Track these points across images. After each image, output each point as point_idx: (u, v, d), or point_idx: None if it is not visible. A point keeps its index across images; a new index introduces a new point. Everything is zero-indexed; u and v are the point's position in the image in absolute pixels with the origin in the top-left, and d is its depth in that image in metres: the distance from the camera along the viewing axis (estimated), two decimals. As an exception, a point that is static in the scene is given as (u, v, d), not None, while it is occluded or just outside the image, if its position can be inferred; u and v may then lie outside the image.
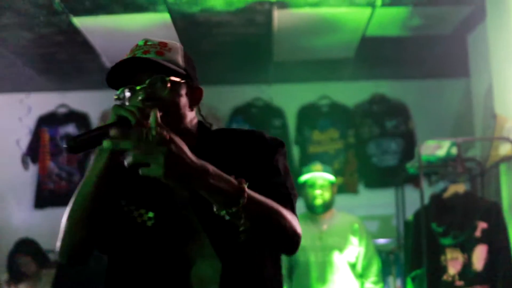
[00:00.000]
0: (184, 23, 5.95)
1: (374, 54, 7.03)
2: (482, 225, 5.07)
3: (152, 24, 5.98)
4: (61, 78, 7.47)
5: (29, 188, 7.62)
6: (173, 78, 2.14)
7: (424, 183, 5.46)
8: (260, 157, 2.21)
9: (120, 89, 2.15)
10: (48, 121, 7.78)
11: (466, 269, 5.06)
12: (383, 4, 5.69)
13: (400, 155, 7.69)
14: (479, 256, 5.06)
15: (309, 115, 7.83)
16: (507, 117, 5.28)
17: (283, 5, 5.68)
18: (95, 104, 7.64)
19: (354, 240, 5.33)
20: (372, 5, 5.69)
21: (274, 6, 5.67)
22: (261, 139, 2.27)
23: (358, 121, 7.82)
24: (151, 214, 2.16)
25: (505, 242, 5.07)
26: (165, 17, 5.80)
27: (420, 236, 5.21)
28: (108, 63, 6.86)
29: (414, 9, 5.84)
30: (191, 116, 2.23)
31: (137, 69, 2.12)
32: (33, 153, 7.70)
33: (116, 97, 2.14)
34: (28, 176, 7.66)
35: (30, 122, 7.78)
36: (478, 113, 6.48)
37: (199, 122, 2.29)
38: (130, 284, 2.17)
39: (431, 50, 6.88)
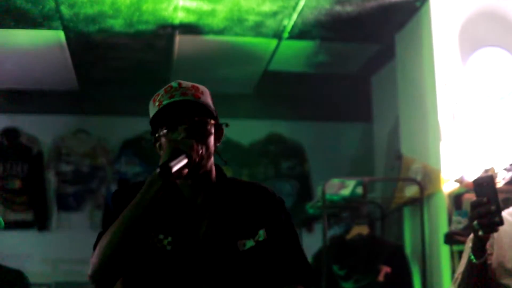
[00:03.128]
0: (79, 43, 5.61)
1: (275, 91, 6.89)
2: (385, 269, 4.91)
3: (44, 42, 5.63)
4: None
5: None
6: (211, 121, 2.30)
7: (319, 227, 5.29)
8: (279, 222, 2.38)
9: (175, 129, 2.27)
10: None
11: (368, 315, 4.88)
12: (290, 37, 5.53)
13: (294, 198, 7.53)
14: (382, 302, 4.89)
15: (202, 152, 7.56)
16: (413, 158, 5.16)
17: (186, 31, 5.44)
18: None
19: None
20: (279, 36, 5.52)
21: (176, 31, 5.42)
22: (271, 197, 2.43)
23: (253, 160, 7.63)
24: (170, 239, 2.27)
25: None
26: (59, 35, 5.44)
27: (320, 280, 4.97)
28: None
29: (321, 44, 5.71)
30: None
31: (177, 110, 2.26)
32: None
33: (170, 137, 2.26)
34: None
35: None
36: (380, 155, 6.38)
37: (216, 165, 2.40)
38: None
39: (333, 90, 6.79)
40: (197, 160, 2.16)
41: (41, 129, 7.26)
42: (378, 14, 5.11)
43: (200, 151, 2.18)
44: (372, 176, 6.32)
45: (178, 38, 5.56)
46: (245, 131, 7.60)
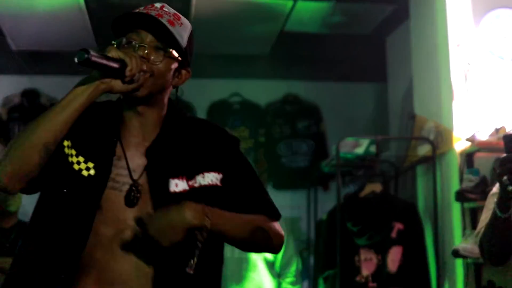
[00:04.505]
0: (98, 5, 5.67)
1: (291, 51, 6.90)
2: (398, 226, 5.01)
3: (63, 5, 5.67)
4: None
5: None
6: (173, 52, 2.15)
7: (335, 185, 5.36)
8: (239, 164, 2.30)
9: (121, 38, 2.14)
10: None
11: (380, 271, 4.99)
12: (306, -3, 5.56)
13: (310, 157, 7.59)
14: (394, 257, 5.00)
15: (219, 112, 7.63)
16: (427, 118, 5.23)
17: (203, -9, 5.49)
18: (-3, 88, 7.26)
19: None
20: (295, -3, 5.56)
21: (193, -9, 5.48)
22: (225, 137, 2.32)
23: (269, 120, 7.69)
24: (90, 165, 2.11)
25: (421, 244, 5.02)
26: (78, -3, 5.51)
27: (334, 236, 5.07)
28: (14, 45, 6.50)
29: (336, 5, 5.73)
30: (167, 92, 2.22)
31: (143, 25, 2.13)
32: None
33: (114, 42, 2.13)
34: None
35: None
36: (394, 115, 6.44)
37: (169, 102, 2.26)
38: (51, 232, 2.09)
39: (348, 50, 6.80)
40: (133, 72, 2.00)
41: (60, 89, 7.22)
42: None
43: (142, 67, 2.03)
44: (386, 135, 6.39)
45: (195, -1, 5.62)
46: (261, 91, 7.66)
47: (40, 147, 2.01)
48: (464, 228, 4.64)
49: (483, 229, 2.60)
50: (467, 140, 4.62)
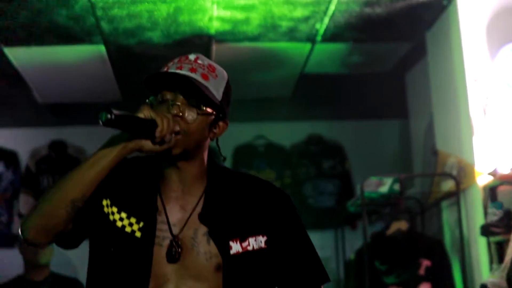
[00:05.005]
0: (120, 56, 5.78)
1: (312, 92, 6.96)
2: (425, 263, 4.99)
3: (86, 57, 5.79)
4: (-12, 114, 7.19)
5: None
6: (207, 109, 2.12)
7: (360, 223, 5.36)
8: (286, 223, 2.24)
9: (156, 96, 2.12)
10: (-25, 159, 7.46)
11: (410, 308, 4.97)
12: (323, 40, 5.62)
13: (336, 196, 7.61)
14: (423, 294, 4.98)
15: (245, 155, 7.70)
16: (449, 153, 5.24)
17: (222, 39, 5.57)
18: (24, 141, 7.38)
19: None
20: (312, 40, 5.62)
21: (212, 39, 5.55)
22: (273, 193, 2.28)
23: (294, 161, 7.73)
24: (133, 220, 2.13)
25: (450, 280, 5.00)
26: (101, 49, 5.61)
27: (363, 275, 5.08)
28: (40, 98, 6.63)
29: (354, 45, 5.80)
30: (206, 145, 2.20)
31: (176, 83, 2.10)
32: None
33: (148, 101, 2.11)
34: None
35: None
36: (417, 151, 6.45)
37: (209, 157, 2.23)
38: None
39: (369, 89, 6.85)
40: (163, 133, 1.97)
41: (87, 140, 7.37)
42: (407, 13, 5.18)
43: (174, 129, 2.02)
44: (411, 172, 6.40)
45: (214, 47, 5.70)
46: (285, 133, 7.73)
47: (67, 203, 2.02)
48: (491, 262, 4.62)
49: (509, 263, 2.61)
50: (489, 174, 4.62)
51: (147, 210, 2.12)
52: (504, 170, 4.53)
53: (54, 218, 2.03)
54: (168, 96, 2.08)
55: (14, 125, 7.42)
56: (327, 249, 7.07)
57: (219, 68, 2.20)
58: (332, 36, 5.56)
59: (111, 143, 2.03)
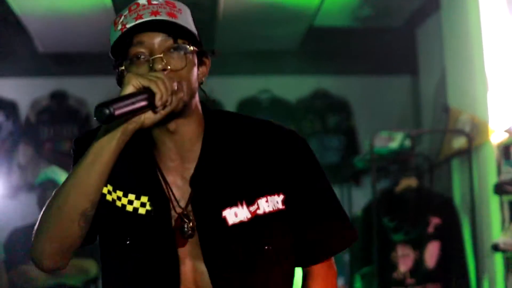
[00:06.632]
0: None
1: (320, 46, 6.86)
2: (435, 220, 4.93)
3: (91, 8, 5.65)
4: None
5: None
6: (191, 47, 1.82)
7: (367, 180, 5.30)
8: (306, 174, 1.92)
9: (126, 59, 1.84)
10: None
11: (418, 267, 4.92)
12: (334, -9, 5.51)
13: (342, 152, 7.53)
14: (432, 253, 4.93)
15: (249, 109, 7.59)
16: (461, 110, 5.14)
17: (230, -11, 5.44)
18: (25, 91, 7.24)
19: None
20: (323, -9, 5.50)
21: (221, -11, 5.44)
22: (293, 141, 1.94)
23: (299, 116, 7.63)
24: (144, 199, 1.88)
25: (459, 239, 4.94)
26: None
27: (370, 232, 5.02)
28: (41, 47, 6.50)
29: (366, -3, 5.69)
30: (196, 93, 1.89)
31: (150, 31, 1.80)
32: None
33: (122, 68, 1.86)
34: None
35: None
36: (427, 107, 6.36)
37: (203, 107, 1.94)
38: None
39: (378, 44, 6.73)
40: (164, 98, 1.68)
41: (89, 90, 7.27)
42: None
43: (173, 87, 1.71)
44: (420, 129, 6.31)
45: (223, -2, 5.58)
46: (291, 87, 7.61)
47: (77, 217, 1.76)
48: (503, 222, 4.56)
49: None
50: (505, 131, 4.53)
51: (152, 186, 1.87)
52: (519, 128, 4.45)
53: (68, 238, 1.78)
54: (141, 50, 1.79)
55: (14, 74, 7.26)
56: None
57: (177, 1, 1.86)
58: (343, -13, 5.45)
59: (105, 131, 1.73)
